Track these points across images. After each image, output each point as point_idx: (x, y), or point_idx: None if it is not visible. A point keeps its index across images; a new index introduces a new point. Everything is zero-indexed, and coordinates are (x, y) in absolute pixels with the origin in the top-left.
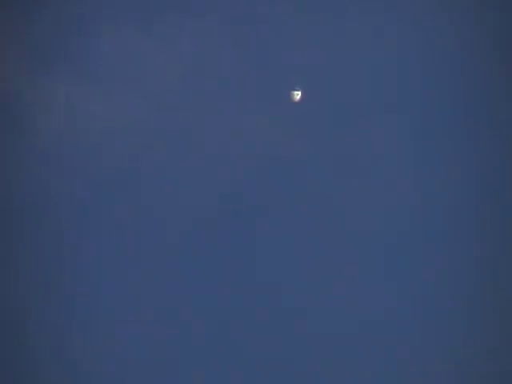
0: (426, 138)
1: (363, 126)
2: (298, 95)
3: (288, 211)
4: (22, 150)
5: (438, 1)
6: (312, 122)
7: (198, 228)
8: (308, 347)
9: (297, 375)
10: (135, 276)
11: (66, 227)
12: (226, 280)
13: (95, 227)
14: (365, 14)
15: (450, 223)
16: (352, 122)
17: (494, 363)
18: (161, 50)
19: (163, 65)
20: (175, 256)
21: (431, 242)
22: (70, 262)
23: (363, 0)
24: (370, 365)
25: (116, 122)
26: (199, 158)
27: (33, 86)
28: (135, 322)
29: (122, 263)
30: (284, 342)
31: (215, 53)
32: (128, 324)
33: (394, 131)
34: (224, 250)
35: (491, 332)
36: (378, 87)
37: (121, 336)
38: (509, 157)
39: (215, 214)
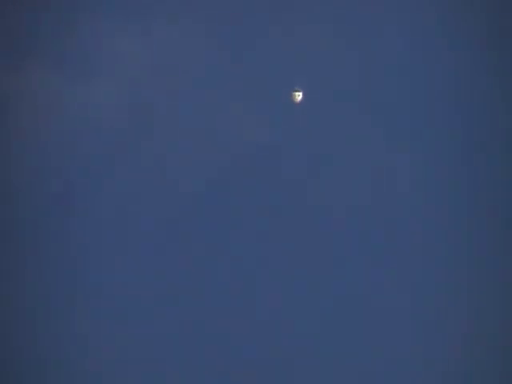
0: (425, 138)
1: (362, 125)
2: (298, 95)
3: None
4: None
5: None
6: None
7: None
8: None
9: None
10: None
11: (68, 207)
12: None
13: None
14: (364, 16)
15: (450, 223)
16: (351, 121)
17: (495, 363)
18: (145, 42)
19: (148, 57)
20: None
21: (430, 242)
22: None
23: (363, 2)
24: (370, 365)
25: (116, 112)
26: (189, 143)
27: (12, 77)
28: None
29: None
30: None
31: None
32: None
33: (393, 131)
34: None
35: (491, 331)
36: (377, 87)
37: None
38: (508, 156)
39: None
